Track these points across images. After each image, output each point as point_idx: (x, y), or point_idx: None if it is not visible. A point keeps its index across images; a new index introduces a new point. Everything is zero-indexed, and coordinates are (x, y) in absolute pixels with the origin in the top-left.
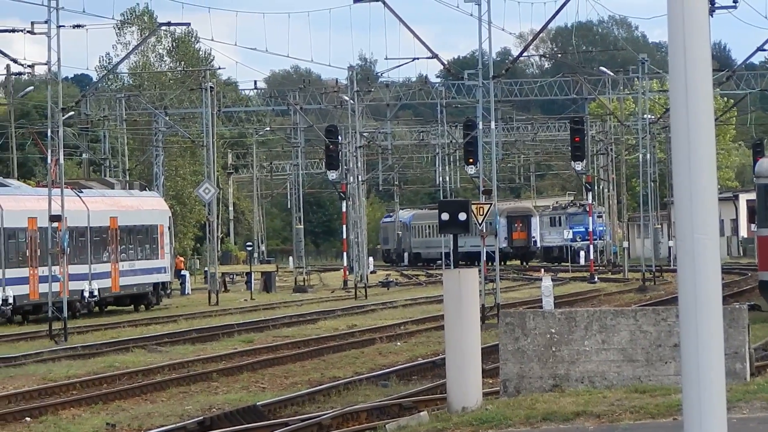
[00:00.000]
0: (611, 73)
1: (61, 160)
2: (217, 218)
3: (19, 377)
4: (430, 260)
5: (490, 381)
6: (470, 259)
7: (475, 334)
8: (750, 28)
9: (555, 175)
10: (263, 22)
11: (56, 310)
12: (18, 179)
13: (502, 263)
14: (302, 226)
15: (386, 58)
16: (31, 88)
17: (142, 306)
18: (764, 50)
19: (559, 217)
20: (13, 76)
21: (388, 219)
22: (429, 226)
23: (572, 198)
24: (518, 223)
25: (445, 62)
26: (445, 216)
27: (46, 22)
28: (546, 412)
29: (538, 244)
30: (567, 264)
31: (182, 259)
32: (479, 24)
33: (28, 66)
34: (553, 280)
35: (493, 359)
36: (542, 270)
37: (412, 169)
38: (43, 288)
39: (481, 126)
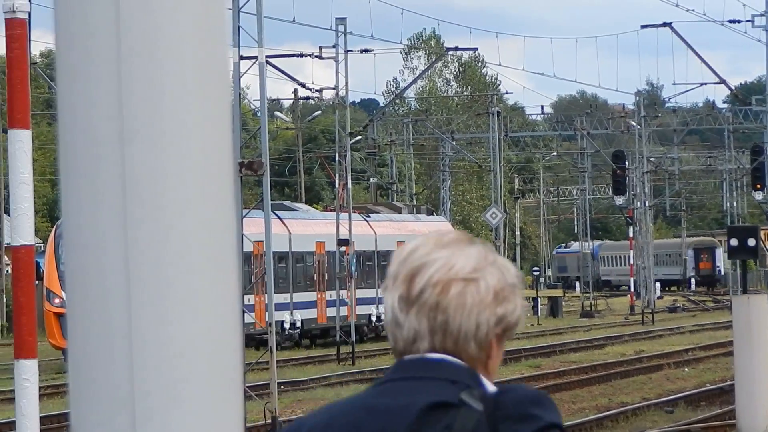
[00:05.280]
0: None
1: (349, 185)
2: (504, 243)
3: (308, 401)
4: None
5: None
6: None
7: (766, 359)
8: None
9: None
10: (551, 47)
11: (344, 334)
12: (305, 203)
13: (687, 289)
14: (589, 252)
15: (673, 83)
16: (319, 112)
17: None
18: None
19: None
20: (302, 101)
21: (562, 249)
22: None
23: None
24: (704, 254)
25: (733, 87)
26: (734, 242)
27: (334, 46)
28: None
29: (722, 272)
30: None
31: None
32: (767, 49)
33: (316, 90)
34: None
35: None
36: None
37: (698, 195)
38: (331, 312)
39: None
